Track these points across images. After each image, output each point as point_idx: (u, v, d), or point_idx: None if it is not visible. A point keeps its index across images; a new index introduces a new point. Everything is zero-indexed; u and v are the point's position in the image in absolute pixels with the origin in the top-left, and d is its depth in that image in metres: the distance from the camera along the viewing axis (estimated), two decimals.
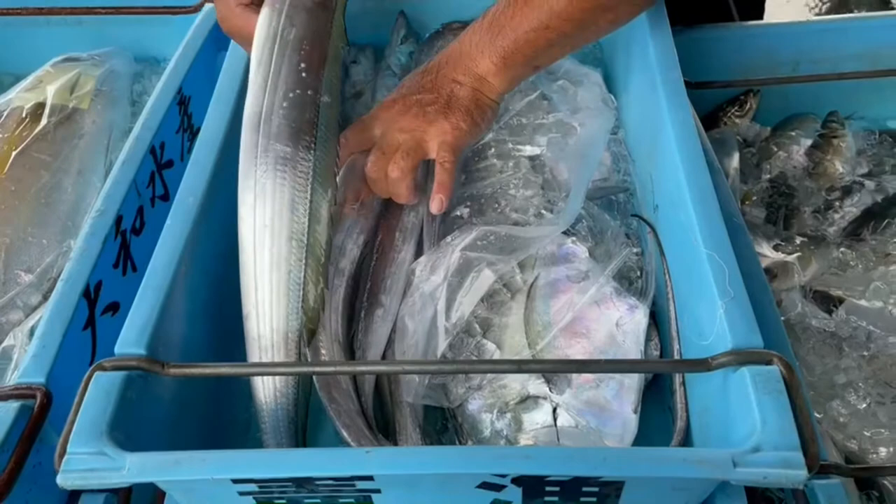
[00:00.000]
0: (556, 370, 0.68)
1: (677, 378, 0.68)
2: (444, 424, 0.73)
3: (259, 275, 0.68)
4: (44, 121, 0.97)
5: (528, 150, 0.91)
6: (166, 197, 0.90)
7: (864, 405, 0.81)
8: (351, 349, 0.77)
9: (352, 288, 0.80)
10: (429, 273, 0.73)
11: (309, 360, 0.70)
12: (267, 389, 0.69)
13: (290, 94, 0.70)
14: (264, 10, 0.76)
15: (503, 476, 0.54)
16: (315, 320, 0.71)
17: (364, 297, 0.78)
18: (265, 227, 0.68)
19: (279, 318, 0.68)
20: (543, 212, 0.82)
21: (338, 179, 0.78)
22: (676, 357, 0.71)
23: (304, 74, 0.71)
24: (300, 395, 0.70)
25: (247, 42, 0.78)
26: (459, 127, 0.77)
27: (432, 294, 0.72)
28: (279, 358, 0.68)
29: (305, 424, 0.72)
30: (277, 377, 0.68)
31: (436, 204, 0.77)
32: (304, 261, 0.69)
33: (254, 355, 0.69)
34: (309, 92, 0.71)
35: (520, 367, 0.60)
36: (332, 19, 0.78)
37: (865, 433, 0.79)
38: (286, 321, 0.68)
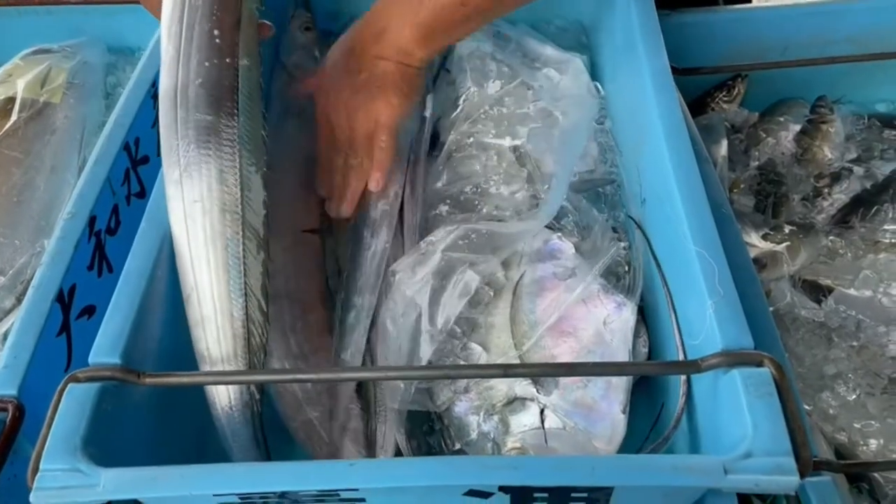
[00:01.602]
0: (542, 374, 0.67)
1: (682, 378, 0.66)
2: (430, 427, 0.72)
3: (195, 254, 0.64)
4: (14, 116, 0.94)
5: (510, 141, 0.89)
6: (142, 194, 0.88)
7: (854, 396, 0.80)
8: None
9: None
10: (410, 275, 0.71)
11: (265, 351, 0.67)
12: (221, 395, 0.66)
13: (206, 63, 0.66)
14: None
15: (490, 484, 0.53)
16: (262, 296, 0.67)
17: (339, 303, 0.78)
18: (195, 202, 0.65)
19: (221, 297, 0.65)
20: (524, 209, 0.80)
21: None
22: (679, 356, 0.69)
23: (217, 41, 0.67)
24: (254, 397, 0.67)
25: (157, 10, 0.73)
26: (391, 104, 0.80)
27: (413, 298, 0.70)
28: (225, 340, 0.65)
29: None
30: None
31: (373, 182, 0.80)
32: (240, 233, 0.66)
33: (199, 340, 0.65)
34: (227, 59, 0.67)
35: (506, 371, 0.59)
36: None
37: (855, 425, 0.78)
38: (229, 299, 0.65)
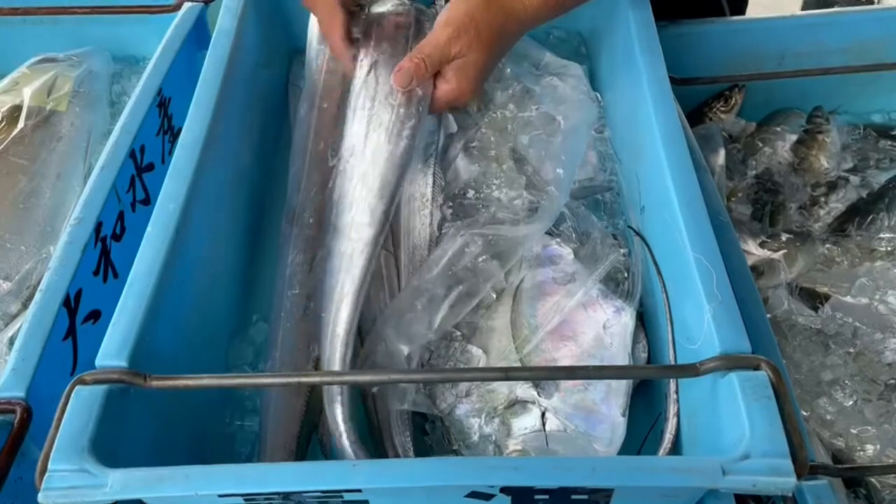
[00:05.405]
0: (543, 377, 0.68)
1: (672, 385, 0.67)
2: (432, 429, 0.72)
3: (284, 333, 0.77)
4: (21, 124, 0.95)
5: (511, 145, 0.90)
6: (147, 201, 0.89)
7: (851, 402, 0.81)
8: None
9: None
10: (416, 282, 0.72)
11: None
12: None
13: (320, 196, 0.83)
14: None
15: (492, 485, 0.54)
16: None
17: None
18: (294, 293, 0.79)
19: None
20: (523, 215, 0.81)
21: None
22: (671, 360, 0.70)
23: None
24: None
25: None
26: None
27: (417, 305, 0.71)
28: None
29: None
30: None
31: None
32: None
33: None
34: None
35: (507, 374, 0.60)
36: None
37: (852, 431, 0.79)
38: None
